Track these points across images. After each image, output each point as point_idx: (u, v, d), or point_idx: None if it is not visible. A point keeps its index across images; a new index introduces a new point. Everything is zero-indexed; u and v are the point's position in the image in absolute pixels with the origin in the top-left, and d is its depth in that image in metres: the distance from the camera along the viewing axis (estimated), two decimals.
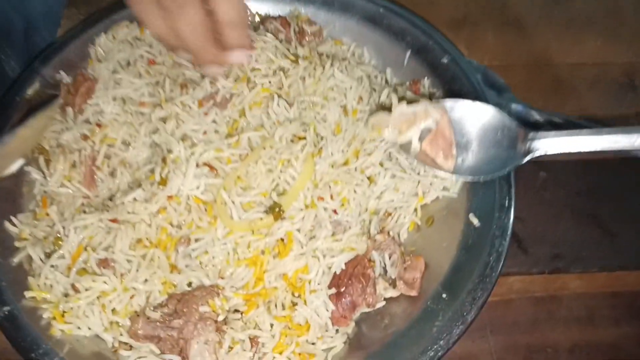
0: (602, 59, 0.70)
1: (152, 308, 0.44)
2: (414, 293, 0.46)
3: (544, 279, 0.54)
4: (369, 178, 0.51)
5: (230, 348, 0.43)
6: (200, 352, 0.41)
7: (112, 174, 0.51)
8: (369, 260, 0.47)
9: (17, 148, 0.51)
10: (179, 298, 0.43)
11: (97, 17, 0.61)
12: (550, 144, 0.48)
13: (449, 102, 0.51)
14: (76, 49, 0.58)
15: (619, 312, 0.52)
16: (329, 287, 0.45)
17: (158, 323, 0.42)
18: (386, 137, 0.51)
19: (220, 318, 0.43)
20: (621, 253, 0.56)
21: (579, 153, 0.46)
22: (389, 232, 0.49)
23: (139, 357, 0.43)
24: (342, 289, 0.45)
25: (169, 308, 0.43)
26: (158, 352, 0.43)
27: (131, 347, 0.43)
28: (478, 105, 0.51)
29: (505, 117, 0.50)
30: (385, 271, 0.48)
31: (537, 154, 0.48)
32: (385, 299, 0.47)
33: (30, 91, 0.55)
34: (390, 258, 0.47)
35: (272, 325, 0.44)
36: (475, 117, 0.51)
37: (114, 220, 0.47)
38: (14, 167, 0.50)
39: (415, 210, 0.52)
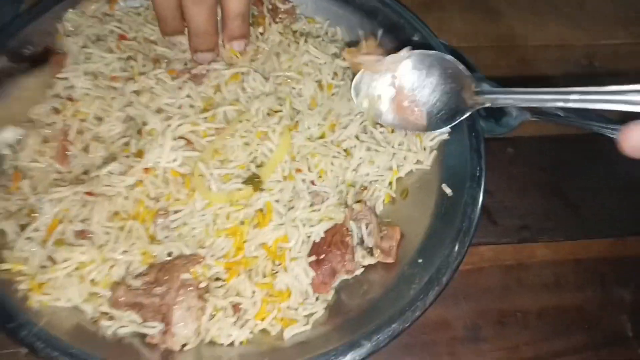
0: (564, 41, 0.73)
1: (133, 277, 0.43)
2: (390, 260, 0.47)
3: (513, 249, 0.56)
4: (345, 151, 0.52)
5: (213, 315, 0.43)
6: (183, 317, 0.41)
7: (85, 149, 0.50)
8: (347, 229, 0.48)
9: (9, 114, 0.50)
10: (160, 267, 0.43)
11: None
12: (493, 97, 0.48)
13: (404, 52, 0.51)
14: (43, 23, 0.56)
15: (583, 277, 0.55)
16: (309, 254, 0.46)
17: (140, 291, 0.42)
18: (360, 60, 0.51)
19: (202, 285, 0.43)
20: (584, 223, 0.58)
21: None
22: (365, 202, 0.50)
23: (120, 327, 0.42)
24: (322, 256, 0.46)
25: (150, 277, 0.43)
26: (140, 320, 0.42)
27: (111, 318, 0.43)
28: (432, 53, 0.51)
29: (458, 64, 0.50)
30: (363, 240, 0.49)
31: (483, 105, 0.49)
32: (363, 267, 0.48)
33: None
34: (367, 227, 0.48)
35: (253, 293, 0.44)
36: (430, 65, 0.51)
37: (89, 194, 0.46)
38: (7, 135, 0.49)
39: (390, 183, 0.53)
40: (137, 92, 0.50)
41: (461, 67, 0.50)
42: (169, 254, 0.45)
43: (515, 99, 0.47)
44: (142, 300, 0.41)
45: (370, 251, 0.48)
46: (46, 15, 0.57)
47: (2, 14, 0.67)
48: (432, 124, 0.52)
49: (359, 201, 0.50)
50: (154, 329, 0.42)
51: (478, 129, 0.54)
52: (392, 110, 0.52)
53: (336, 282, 0.47)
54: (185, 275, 0.42)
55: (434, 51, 0.51)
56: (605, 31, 0.75)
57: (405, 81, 0.51)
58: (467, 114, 0.50)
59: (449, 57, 0.51)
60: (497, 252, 0.56)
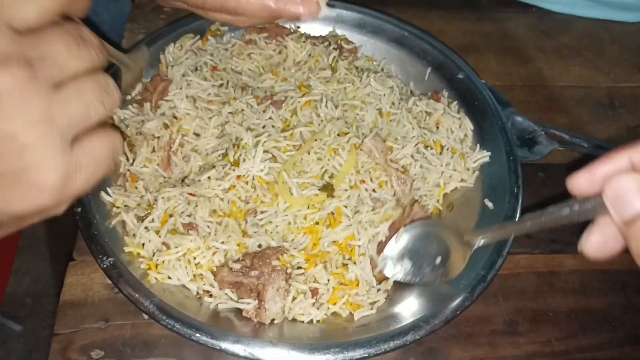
0: (587, 82, 0.82)
1: (233, 261, 0.52)
2: None
3: (545, 258, 0.64)
4: (403, 167, 0.61)
5: (295, 297, 0.52)
6: (273, 296, 0.50)
7: (184, 158, 0.61)
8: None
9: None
10: (254, 255, 0.52)
11: (165, 31, 0.71)
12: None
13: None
14: (150, 56, 0.68)
15: (607, 285, 0.62)
16: (377, 252, 0.55)
17: (239, 272, 0.51)
18: None
19: (288, 271, 0.52)
20: None
21: None
22: (420, 203, 0.59)
23: (220, 303, 0.51)
24: None
25: (246, 262, 0.52)
26: (236, 298, 0.51)
27: (212, 296, 0.52)
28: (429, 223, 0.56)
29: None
30: None
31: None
32: None
33: None
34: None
35: (328, 280, 0.53)
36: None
37: (192, 194, 0.56)
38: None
39: (438, 199, 0.62)
40: (232, 113, 0.60)
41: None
42: (259, 246, 0.54)
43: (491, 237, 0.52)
44: (242, 279, 0.50)
45: None
46: (150, 50, 0.68)
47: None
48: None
49: (415, 201, 0.58)
50: (249, 305, 0.51)
51: (515, 154, 0.63)
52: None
53: None
54: (275, 262, 0.51)
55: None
56: (624, 75, 0.84)
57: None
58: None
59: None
60: (531, 260, 0.64)
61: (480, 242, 0.51)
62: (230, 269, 0.51)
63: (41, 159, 0.34)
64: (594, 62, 0.85)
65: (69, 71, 0.36)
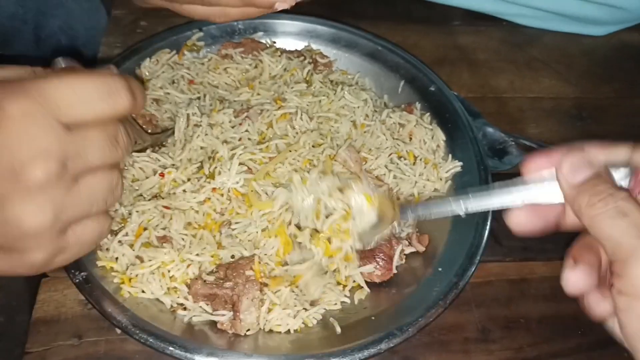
0: (556, 94, 0.85)
1: (206, 274, 0.52)
2: (422, 248, 0.59)
3: (516, 266, 0.65)
4: (377, 177, 0.62)
5: (270, 310, 0.52)
6: (248, 306, 0.50)
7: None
8: None
9: None
10: (227, 266, 0.53)
11: (141, 45, 0.71)
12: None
13: None
14: (125, 70, 0.68)
15: None
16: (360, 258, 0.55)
17: (213, 284, 0.51)
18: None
19: (262, 280, 0.52)
20: None
21: None
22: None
23: (194, 316, 0.51)
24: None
25: (220, 274, 0.52)
26: (210, 310, 0.51)
27: (186, 308, 0.52)
28: None
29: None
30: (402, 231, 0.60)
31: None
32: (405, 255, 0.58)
33: None
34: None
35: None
36: None
37: (166, 207, 0.56)
38: None
39: None
40: (211, 126, 0.61)
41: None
42: (232, 256, 0.55)
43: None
44: (216, 291, 0.50)
45: (409, 240, 0.58)
46: (127, 64, 0.68)
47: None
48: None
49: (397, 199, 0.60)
50: (224, 316, 0.51)
51: (486, 164, 0.65)
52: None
53: (395, 263, 0.56)
54: (248, 272, 0.52)
55: None
56: (592, 86, 0.87)
57: None
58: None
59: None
60: (503, 268, 0.65)
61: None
62: (204, 281, 0.51)
63: (37, 244, 0.38)
64: (563, 74, 0.87)
65: (92, 166, 0.39)
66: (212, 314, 0.51)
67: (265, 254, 0.54)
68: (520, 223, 0.43)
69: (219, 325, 0.51)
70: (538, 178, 0.42)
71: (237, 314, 0.50)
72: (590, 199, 0.37)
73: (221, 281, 0.52)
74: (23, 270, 0.39)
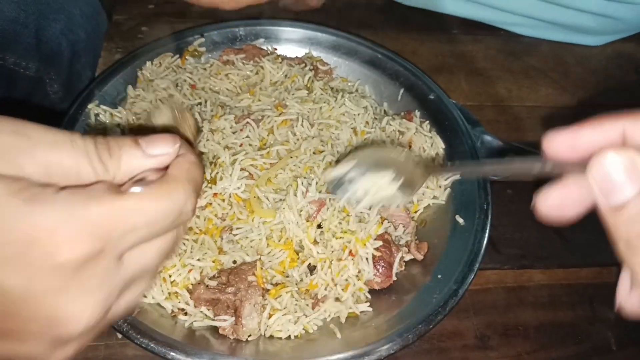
0: (553, 102, 0.85)
1: (209, 279, 0.52)
2: (420, 257, 0.59)
3: (514, 273, 0.66)
4: None
5: (270, 315, 0.52)
6: (250, 312, 0.50)
7: None
8: (387, 232, 0.58)
9: None
10: (229, 272, 0.53)
11: (142, 50, 0.72)
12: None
13: None
14: (127, 74, 0.68)
15: (574, 298, 0.65)
16: None
17: (215, 289, 0.51)
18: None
19: (264, 286, 0.52)
20: (574, 254, 0.68)
21: None
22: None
23: (195, 321, 0.51)
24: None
25: (222, 279, 0.52)
26: (212, 316, 0.51)
27: (187, 314, 0.52)
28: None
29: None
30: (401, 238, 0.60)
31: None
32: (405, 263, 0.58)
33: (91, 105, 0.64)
34: (405, 228, 0.60)
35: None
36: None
37: None
38: None
39: (413, 216, 0.64)
40: (212, 131, 0.61)
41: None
42: (234, 262, 0.55)
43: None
44: (219, 296, 0.51)
45: (408, 248, 0.58)
46: (128, 68, 0.69)
47: (78, 68, 0.79)
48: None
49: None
50: (225, 322, 0.51)
51: None
52: None
53: (395, 270, 0.57)
54: (251, 277, 0.52)
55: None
56: (588, 95, 0.88)
57: None
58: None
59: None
60: (501, 275, 0.65)
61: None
62: (207, 286, 0.51)
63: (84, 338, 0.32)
64: (560, 83, 0.88)
65: (137, 285, 0.34)
66: (213, 319, 0.51)
67: (269, 261, 0.54)
68: (551, 208, 0.32)
69: (220, 331, 0.51)
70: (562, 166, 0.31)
71: (239, 319, 0.50)
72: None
73: (223, 286, 0.52)
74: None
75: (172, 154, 0.34)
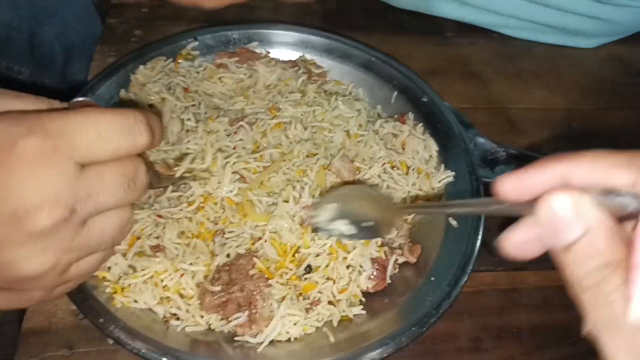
0: (546, 105, 0.86)
1: (210, 284, 0.52)
2: (413, 260, 0.59)
3: (508, 275, 0.66)
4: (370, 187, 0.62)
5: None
6: (263, 300, 0.50)
7: None
8: None
9: None
10: (228, 269, 0.53)
11: (135, 54, 0.71)
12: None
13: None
14: (120, 77, 0.68)
15: (567, 300, 0.63)
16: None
17: (222, 293, 0.51)
18: None
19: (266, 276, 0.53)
20: None
21: None
22: None
23: (187, 326, 0.51)
24: None
25: (223, 280, 0.52)
26: (225, 323, 0.51)
27: (178, 318, 0.52)
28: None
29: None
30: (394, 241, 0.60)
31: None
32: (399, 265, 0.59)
33: None
34: (398, 231, 0.60)
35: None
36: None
37: (159, 216, 0.56)
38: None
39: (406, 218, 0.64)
40: (208, 133, 0.61)
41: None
42: (227, 255, 0.54)
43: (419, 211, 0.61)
44: (228, 297, 0.50)
45: (402, 250, 0.58)
46: (121, 72, 0.69)
47: (72, 71, 0.79)
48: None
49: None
50: (240, 318, 0.51)
51: (478, 174, 0.65)
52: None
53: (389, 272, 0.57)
54: (252, 271, 0.52)
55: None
56: (581, 97, 0.88)
57: None
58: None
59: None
60: (495, 278, 0.66)
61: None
62: (212, 293, 0.51)
63: (36, 285, 0.37)
64: (553, 85, 0.89)
65: (104, 207, 0.37)
66: (228, 322, 0.51)
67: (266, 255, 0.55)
68: (516, 247, 0.33)
69: (238, 330, 0.51)
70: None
71: (254, 311, 0.50)
72: (594, 297, 0.28)
73: (228, 287, 0.51)
74: (21, 305, 0.40)
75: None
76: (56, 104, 0.37)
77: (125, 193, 0.37)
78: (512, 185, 0.32)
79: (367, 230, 0.54)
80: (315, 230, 0.55)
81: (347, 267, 0.56)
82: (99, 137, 0.34)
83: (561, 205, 0.29)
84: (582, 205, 0.29)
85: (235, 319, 0.51)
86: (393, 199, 0.57)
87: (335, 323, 0.53)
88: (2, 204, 0.32)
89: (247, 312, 0.50)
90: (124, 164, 0.37)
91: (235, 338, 0.51)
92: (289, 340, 0.52)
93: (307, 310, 0.53)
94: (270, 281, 0.52)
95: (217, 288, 0.51)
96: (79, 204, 0.34)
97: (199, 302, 0.52)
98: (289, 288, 0.53)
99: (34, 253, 0.34)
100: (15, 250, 0.33)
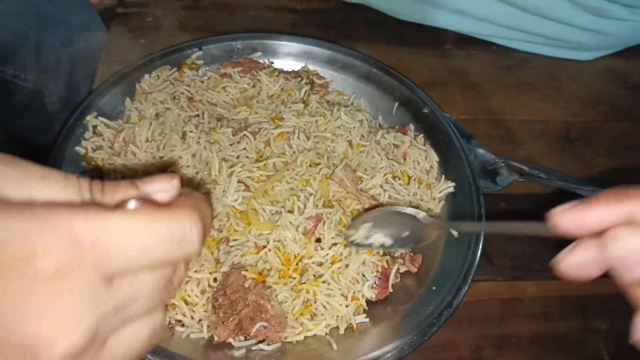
0: (545, 117, 0.87)
1: (217, 314, 0.53)
2: (414, 269, 0.60)
3: (508, 285, 0.67)
4: (372, 197, 0.63)
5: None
6: (269, 300, 0.51)
7: None
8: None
9: None
10: (222, 294, 0.53)
11: (140, 63, 0.72)
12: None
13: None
14: (126, 85, 0.69)
15: (567, 310, 0.65)
16: None
17: (231, 317, 0.51)
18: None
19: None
20: None
21: None
22: None
23: (192, 332, 0.52)
24: None
25: (225, 304, 0.52)
26: (253, 341, 0.52)
27: (183, 325, 0.52)
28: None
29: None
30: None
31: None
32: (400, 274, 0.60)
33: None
34: None
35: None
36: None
37: None
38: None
39: None
40: (211, 143, 0.62)
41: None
42: (231, 265, 0.55)
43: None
44: (238, 317, 0.51)
45: (403, 259, 0.59)
46: (126, 80, 0.70)
47: (76, 79, 0.80)
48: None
49: None
50: (259, 327, 0.51)
51: (478, 185, 0.66)
52: None
53: (391, 281, 0.58)
54: (246, 283, 0.53)
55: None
56: (579, 109, 0.90)
57: None
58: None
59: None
60: (495, 287, 0.66)
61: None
62: (223, 322, 0.52)
63: None
64: (552, 97, 0.90)
65: (133, 316, 0.29)
66: (251, 337, 0.52)
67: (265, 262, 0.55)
68: (573, 268, 0.34)
69: (266, 338, 0.52)
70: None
71: (267, 313, 0.51)
72: None
73: (233, 308, 0.52)
74: None
75: (170, 190, 0.30)
76: (96, 186, 0.30)
77: (159, 297, 0.30)
78: (572, 220, 0.32)
79: (406, 239, 0.56)
80: (356, 246, 0.57)
81: (351, 276, 0.56)
82: (141, 252, 0.27)
83: (632, 244, 0.30)
84: None
85: (254, 331, 0.51)
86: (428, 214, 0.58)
87: (342, 331, 0.54)
88: (10, 333, 0.25)
89: (262, 319, 0.51)
90: (162, 267, 0.30)
91: (261, 346, 0.52)
92: (290, 343, 0.52)
93: (312, 317, 0.54)
94: (266, 282, 0.53)
95: (227, 317, 0.52)
96: (103, 323, 0.27)
97: (217, 338, 0.52)
98: (294, 292, 0.54)
99: None
100: None
